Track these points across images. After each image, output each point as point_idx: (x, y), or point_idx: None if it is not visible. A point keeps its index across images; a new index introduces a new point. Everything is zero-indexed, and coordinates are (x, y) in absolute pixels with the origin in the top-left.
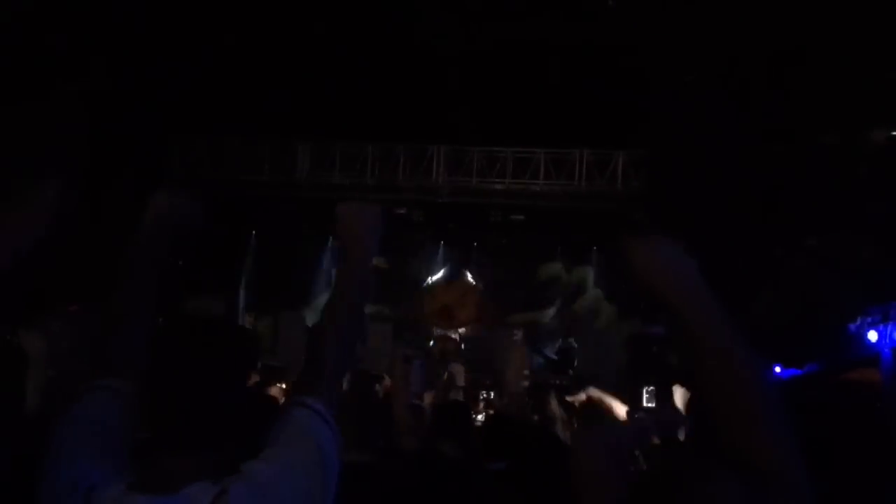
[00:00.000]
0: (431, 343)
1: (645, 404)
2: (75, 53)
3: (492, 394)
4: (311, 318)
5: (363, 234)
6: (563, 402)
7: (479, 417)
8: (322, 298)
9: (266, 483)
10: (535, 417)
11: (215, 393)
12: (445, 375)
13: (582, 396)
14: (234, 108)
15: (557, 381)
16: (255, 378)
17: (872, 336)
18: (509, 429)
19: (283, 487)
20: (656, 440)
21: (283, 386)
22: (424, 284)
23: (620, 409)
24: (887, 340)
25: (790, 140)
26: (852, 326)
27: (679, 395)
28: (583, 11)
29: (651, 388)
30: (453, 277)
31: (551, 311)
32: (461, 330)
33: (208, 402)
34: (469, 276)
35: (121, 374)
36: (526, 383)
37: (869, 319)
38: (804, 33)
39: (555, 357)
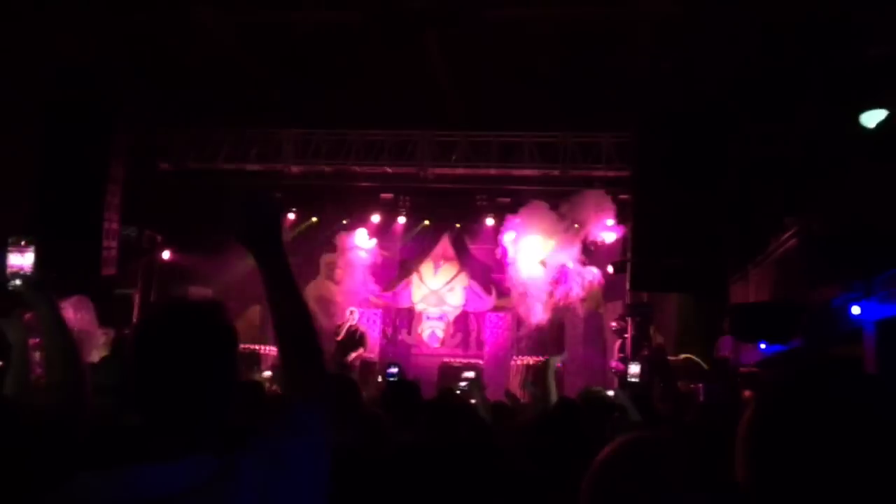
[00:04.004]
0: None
1: (629, 379)
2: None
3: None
4: None
5: (267, 232)
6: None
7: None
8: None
9: (273, 457)
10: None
11: (205, 375)
12: None
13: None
14: (218, 97)
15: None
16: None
17: (856, 311)
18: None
19: (288, 462)
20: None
21: (269, 374)
22: (412, 270)
23: None
24: (871, 315)
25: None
26: (836, 301)
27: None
28: None
29: (638, 363)
30: (443, 262)
31: None
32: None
33: (199, 384)
34: (457, 261)
35: None
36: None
37: (852, 294)
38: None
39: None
